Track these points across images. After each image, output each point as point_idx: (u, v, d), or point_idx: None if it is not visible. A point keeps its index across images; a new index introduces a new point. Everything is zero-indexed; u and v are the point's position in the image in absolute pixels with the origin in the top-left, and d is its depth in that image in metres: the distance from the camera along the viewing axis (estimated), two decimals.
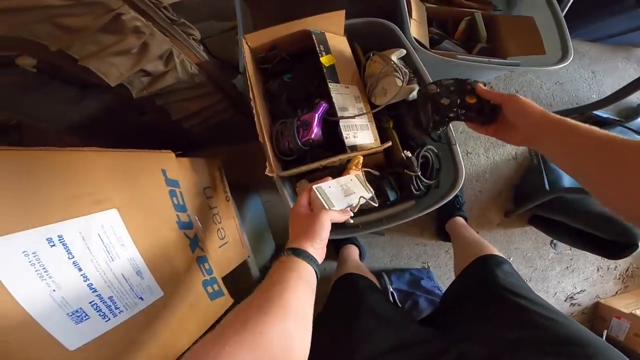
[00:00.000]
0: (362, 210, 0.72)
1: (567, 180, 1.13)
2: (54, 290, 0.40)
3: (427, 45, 0.98)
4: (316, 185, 0.57)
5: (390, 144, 0.73)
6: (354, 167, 0.71)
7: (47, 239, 0.39)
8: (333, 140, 0.72)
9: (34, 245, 0.38)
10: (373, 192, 0.69)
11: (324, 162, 0.67)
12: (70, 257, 0.41)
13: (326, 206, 0.54)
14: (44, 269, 0.39)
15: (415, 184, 0.76)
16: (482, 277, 0.75)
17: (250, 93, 0.70)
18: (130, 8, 0.51)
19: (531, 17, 1.04)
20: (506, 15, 1.15)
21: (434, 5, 1.08)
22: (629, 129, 1.19)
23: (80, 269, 0.43)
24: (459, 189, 0.71)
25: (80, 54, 0.52)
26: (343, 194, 0.61)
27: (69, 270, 0.42)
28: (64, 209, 0.41)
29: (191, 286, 0.60)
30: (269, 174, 0.67)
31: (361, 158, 0.71)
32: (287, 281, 0.42)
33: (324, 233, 0.50)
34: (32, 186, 0.38)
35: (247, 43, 0.74)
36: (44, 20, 0.46)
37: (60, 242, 0.40)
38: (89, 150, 0.46)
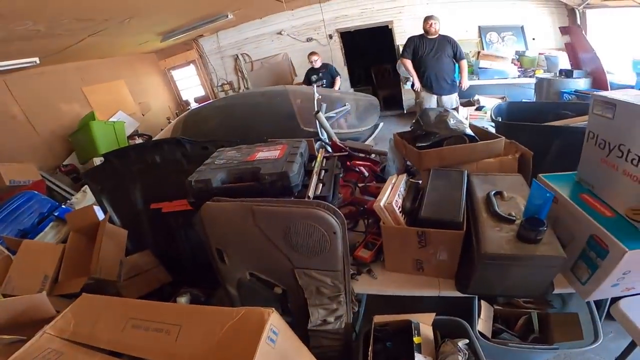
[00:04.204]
0: None
1: None
2: None
3: (489, 335, 1.45)
4: None
5: None
6: None
7: None
8: None
9: None
10: None
11: None
12: None
13: None
14: None
15: None
16: None
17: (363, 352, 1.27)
18: (345, 295, 1.22)
19: (576, 313, 1.40)
20: (556, 313, 1.54)
21: (500, 308, 1.61)
22: None
23: None
24: None
25: (310, 299, 1.20)
26: None
27: None
28: None
29: None
30: None
31: None
32: None
33: None
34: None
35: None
36: None
37: None
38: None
